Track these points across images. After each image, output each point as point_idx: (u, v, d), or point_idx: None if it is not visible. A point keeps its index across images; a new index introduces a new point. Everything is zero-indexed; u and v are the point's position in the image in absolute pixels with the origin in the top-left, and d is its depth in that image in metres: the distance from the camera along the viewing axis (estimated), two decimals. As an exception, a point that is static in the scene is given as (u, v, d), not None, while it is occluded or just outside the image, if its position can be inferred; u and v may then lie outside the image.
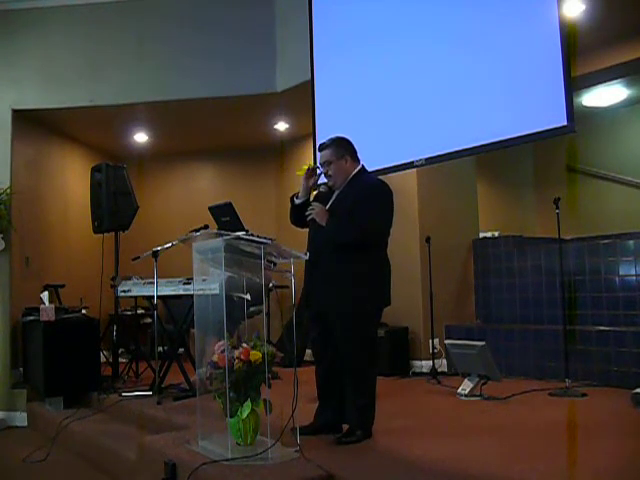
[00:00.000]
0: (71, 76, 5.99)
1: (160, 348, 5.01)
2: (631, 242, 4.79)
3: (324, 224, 3.05)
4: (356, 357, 3.06)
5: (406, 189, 5.49)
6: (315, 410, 3.26)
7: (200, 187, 7.91)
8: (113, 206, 5.49)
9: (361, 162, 3.24)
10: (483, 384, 4.10)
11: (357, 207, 3.03)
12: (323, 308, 3.13)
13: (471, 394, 4.09)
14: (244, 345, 2.94)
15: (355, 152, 3.23)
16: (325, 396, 3.24)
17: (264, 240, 2.88)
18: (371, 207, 3.03)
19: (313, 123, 5.46)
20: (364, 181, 3.18)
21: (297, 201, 3.28)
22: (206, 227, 4.48)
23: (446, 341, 4.66)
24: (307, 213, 3.13)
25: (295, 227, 3.40)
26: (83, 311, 5.54)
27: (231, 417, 2.90)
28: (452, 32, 4.39)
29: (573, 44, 3.80)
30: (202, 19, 5.96)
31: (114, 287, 5.30)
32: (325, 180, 3.27)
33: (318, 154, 3.24)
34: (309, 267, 3.16)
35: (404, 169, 4.61)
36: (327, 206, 3.15)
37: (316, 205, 3.11)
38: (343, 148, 3.18)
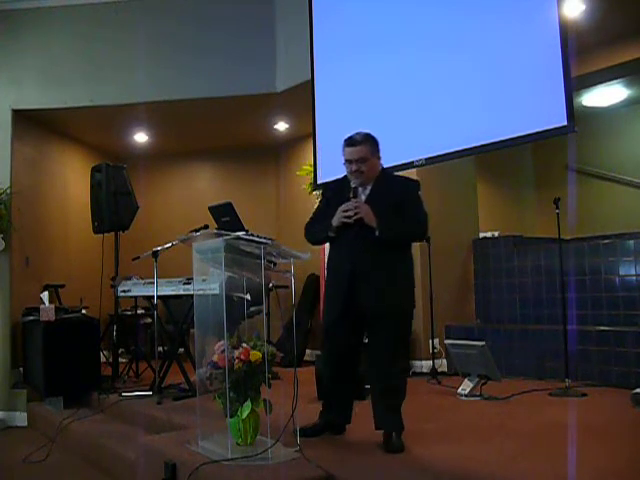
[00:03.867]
0: (71, 76, 5.99)
1: (160, 348, 5.02)
2: (631, 242, 4.79)
3: (374, 224, 2.92)
4: (396, 358, 3.00)
5: (406, 189, 5.47)
6: (319, 412, 3.22)
7: (200, 187, 7.91)
8: (113, 206, 5.49)
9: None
10: (483, 384, 4.10)
11: (405, 205, 2.99)
12: (365, 310, 2.98)
13: (471, 394, 4.09)
14: (244, 345, 2.94)
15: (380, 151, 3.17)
16: (333, 396, 3.18)
17: (264, 240, 2.88)
18: (418, 204, 3.03)
19: (313, 123, 5.46)
20: (394, 179, 3.16)
21: (332, 234, 3.07)
22: (206, 227, 4.48)
23: (446, 341, 4.65)
24: (347, 214, 2.95)
25: (313, 245, 3.33)
26: (83, 311, 5.55)
27: (231, 417, 2.90)
28: (452, 32, 4.39)
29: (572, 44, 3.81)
30: (202, 19, 5.97)
31: (114, 287, 5.30)
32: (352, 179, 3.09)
33: (347, 149, 3.05)
34: (342, 272, 3.01)
35: (404, 169, 4.61)
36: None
37: (363, 205, 2.97)
38: (377, 145, 3.10)
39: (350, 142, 3.05)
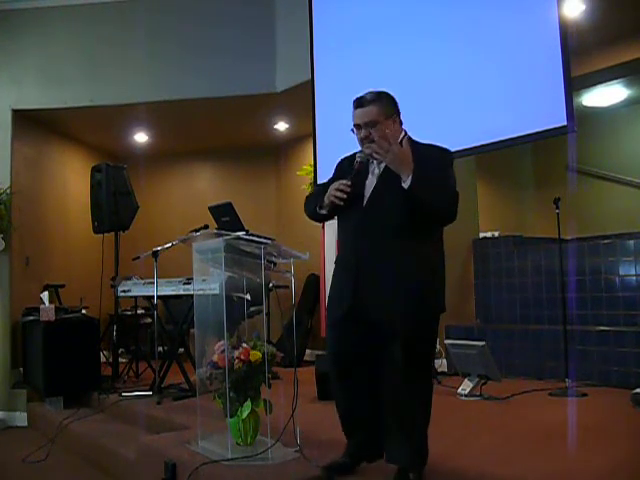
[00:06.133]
0: (71, 76, 5.99)
1: (160, 348, 5.01)
2: (631, 242, 4.79)
3: (408, 173, 2.21)
4: (420, 380, 2.41)
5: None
6: (346, 448, 2.63)
7: (200, 187, 7.92)
8: (113, 206, 5.49)
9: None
10: (483, 384, 4.10)
11: (434, 175, 2.30)
12: (377, 315, 2.37)
13: (471, 394, 4.08)
14: (244, 345, 2.94)
15: (401, 113, 2.50)
16: (346, 419, 2.60)
17: (264, 240, 2.88)
18: (449, 177, 2.38)
19: (313, 123, 5.46)
20: (421, 148, 2.42)
21: (322, 211, 2.52)
22: (206, 227, 4.48)
23: (446, 341, 4.65)
24: (337, 195, 2.34)
25: (313, 221, 2.70)
26: (83, 311, 5.54)
27: (231, 417, 2.90)
28: (452, 32, 4.39)
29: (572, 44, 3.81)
30: (202, 19, 5.97)
31: (114, 287, 5.31)
32: (360, 150, 2.47)
33: (355, 112, 2.46)
34: (348, 264, 2.45)
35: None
36: (367, 186, 2.44)
37: (395, 146, 2.27)
38: (393, 106, 2.46)
39: (358, 102, 2.46)
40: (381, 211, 2.37)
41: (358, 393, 2.53)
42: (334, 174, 2.63)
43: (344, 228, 2.54)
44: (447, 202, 2.33)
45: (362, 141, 2.43)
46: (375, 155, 2.33)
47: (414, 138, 2.54)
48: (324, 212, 2.51)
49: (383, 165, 2.41)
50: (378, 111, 2.41)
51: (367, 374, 2.50)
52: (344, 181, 2.37)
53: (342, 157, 2.66)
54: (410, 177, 2.21)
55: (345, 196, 2.35)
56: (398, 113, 2.48)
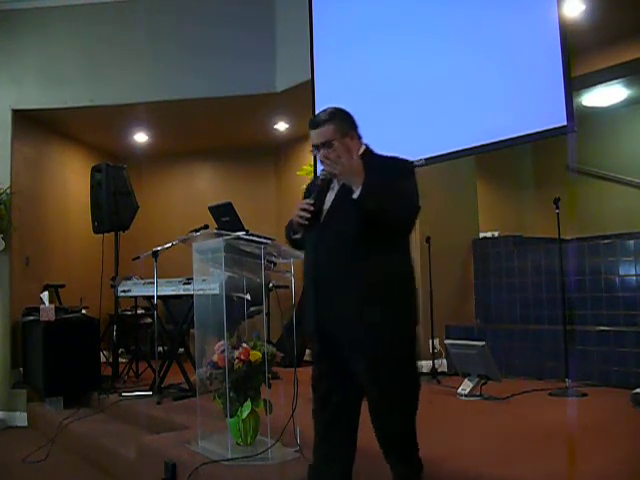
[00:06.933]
0: (71, 76, 5.99)
1: (160, 348, 5.02)
2: (631, 242, 4.79)
3: (358, 184, 2.16)
4: (402, 417, 2.25)
5: (406, 189, 5.47)
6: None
7: (200, 187, 7.92)
8: (113, 206, 5.49)
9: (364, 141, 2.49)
10: (483, 384, 4.10)
11: (390, 184, 2.22)
12: (337, 330, 2.25)
13: (471, 394, 4.08)
14: (244, 345, 2.95)
15: (357, 128, 2.44)
16: (329, 458, 2.36)
17: (264, 240, 2.88)
18: (409, 182, 2.31)
19: (313, 123, 5.45)
20: (379, 161, 2.38)
21: (295, 236, 2.47)
22: (206, 227, 4.48)
23: (446, 341, 4.65)
24: (300, 214, 2.29)
25: (294, 249, 2.68)
26: (83, 311, 5.55)
27: (231, 417, 2.90)
28: (452, 32, 4.38)
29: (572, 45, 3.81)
30: (202, 19, 5.97)
31: (114, 287, 5.31)
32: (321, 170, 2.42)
33: (310, 132, 2.40)
34: (310, 278, 2.38)
35: (404, 169, 4.61)
36: (327, 201, 2.37)
37: (346, 158, 2.24)
38: (348, 122, 2.40)
39: (313, 123, 2.38)
40: (338, 224, 2.31)
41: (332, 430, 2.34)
42: (304, 197, 2.55)
43: (307, 244, 2.46)
44: (399, 210, 2.22)
45: (321, 161, 2.38)
46: (327, 169, 2.30)
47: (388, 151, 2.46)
48: (298, 236, 2.44)
49: (337, 188, 2.38)
50: (333, 130, 2.35)
51: (344, 409, 2.33)
52: (307, 200, 2.34)
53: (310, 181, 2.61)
54: (360, 188, 2.17)
55: (309, 215, 2.29)
56: (355, 128, 2.42)
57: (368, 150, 2.45)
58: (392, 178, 2.26)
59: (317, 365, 2.40)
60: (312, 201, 2.31)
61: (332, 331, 2.26)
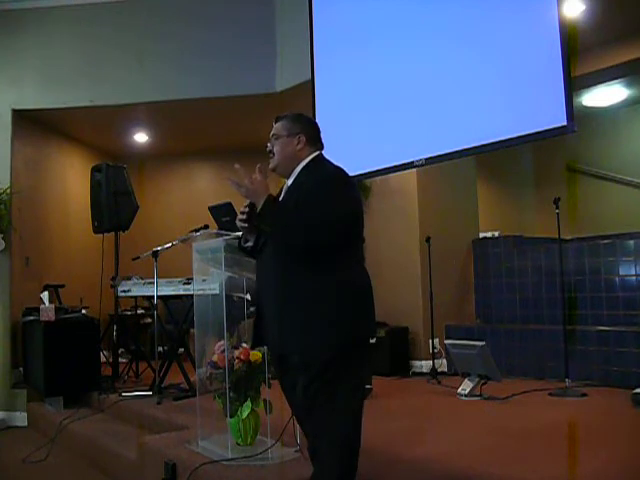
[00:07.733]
0: (71, 76, 5.99)
1: (160, 348, 5.02)
2: (631, 242, 4.79)
3: (258, 207, 2.18)
4: (330, 459, 2.12)
5: (406, 189, 5.49)
6: None
7: (200, 187, 7.92)
8: (113, 206, 5.49)
9: (321, 151, 2.45)
10: (483, 384, 4.10)
11: (305, 200, 2.18)
12: (274, 349, 2.33)
13: (471, 394, 4.09)
14: (244, 345, 2.95)
15: (315, 137, 2.44)
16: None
17: (264, 240, 2.87)
18: (320, 199, 2.15)
19: (313, 123, 5.45)
20: (319, 171, 2.32)
21: (247, 244, 2.44)
22: (206, 227, 4.47)
23: (446, 341, 4.65)
24: (240, 217, 2.29)
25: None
26: (83, 311, 5.54)
27: (231, 417, 2.90)
28: (452, 32, 4.39)
29: (573, 44, 3.80)
30: (202, 19, 5.96)
31: (114, 287, 5.31)
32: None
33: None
34: (257, 299, 2.39)
35: (404, 169, 4.61)
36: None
37: (247, 179, 2.26)
38: (300, 125, 2.42)
39: (276, 118, 2.50)
40: (269, 247, 2.29)
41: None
42: (277, 196, 2.49)
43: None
44: (295, 230, 2.13)
45: (269, 152, 2.48)
46: (237, 190, 2.31)
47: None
48: (250, 244, 2.40)
49: (283, 191, 2.41)
50: (282, 126, 2.43)
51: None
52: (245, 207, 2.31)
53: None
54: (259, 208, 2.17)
55: (245, 217, 2.28)
56: (307, 134, 2.41)
57: (318, 158, 2.41)
58: (309, 196, 2.19)
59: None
60: (246, 203, 2.30)
61: (273, 349, 2.34)
